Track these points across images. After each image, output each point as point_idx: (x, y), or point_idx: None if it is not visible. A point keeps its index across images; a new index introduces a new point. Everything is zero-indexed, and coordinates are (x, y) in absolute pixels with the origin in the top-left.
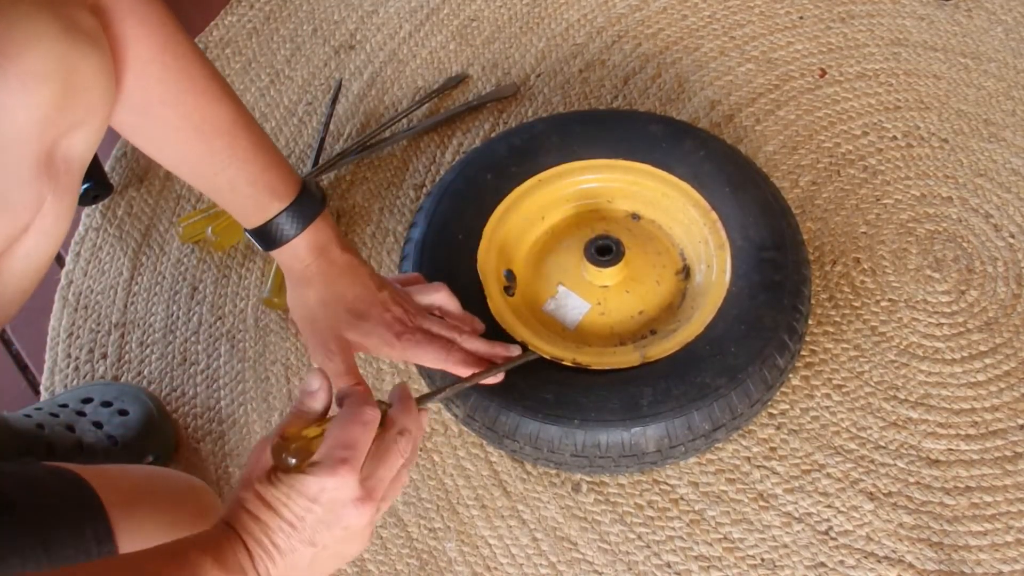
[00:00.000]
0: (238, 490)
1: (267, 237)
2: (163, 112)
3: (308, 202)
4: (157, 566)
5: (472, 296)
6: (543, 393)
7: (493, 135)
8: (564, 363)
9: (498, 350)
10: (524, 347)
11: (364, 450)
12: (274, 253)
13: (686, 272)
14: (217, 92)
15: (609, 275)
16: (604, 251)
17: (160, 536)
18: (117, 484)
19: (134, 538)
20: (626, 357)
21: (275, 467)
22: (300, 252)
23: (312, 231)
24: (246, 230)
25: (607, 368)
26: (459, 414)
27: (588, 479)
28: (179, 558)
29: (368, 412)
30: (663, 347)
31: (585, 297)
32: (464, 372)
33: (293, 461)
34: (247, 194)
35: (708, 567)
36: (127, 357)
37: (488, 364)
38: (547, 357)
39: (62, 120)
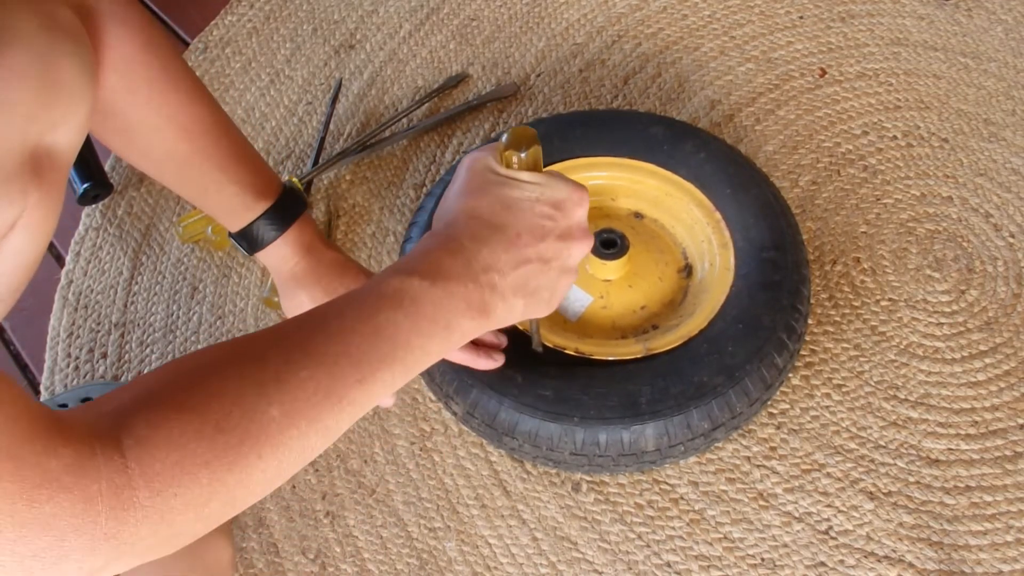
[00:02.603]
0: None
1: (253, 238)
2: (149, 113)
3: (291, 202)
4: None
5: None
6: (542, 390)
7: (493, 135)
8: (567, 352)
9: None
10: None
11: None
12: (260, 256)
13: (688, 270)
14: (198, 93)
15: (613, 268)
16: (609, 244)
17: None
18: None
19: None
20: (628, 348)
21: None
22: (286, 251)
23: (296, 230)
24: (230, 234)
25: (609, 359)
26: (458, 412)
27: (588, 479)
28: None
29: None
30: (665, 340)
31: (588, 290)
32: (464, 357)
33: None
34: (233, 193)
35: (708, 567)
36: (127, 357)
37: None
38: (549, 345)
39: (44, 116)
